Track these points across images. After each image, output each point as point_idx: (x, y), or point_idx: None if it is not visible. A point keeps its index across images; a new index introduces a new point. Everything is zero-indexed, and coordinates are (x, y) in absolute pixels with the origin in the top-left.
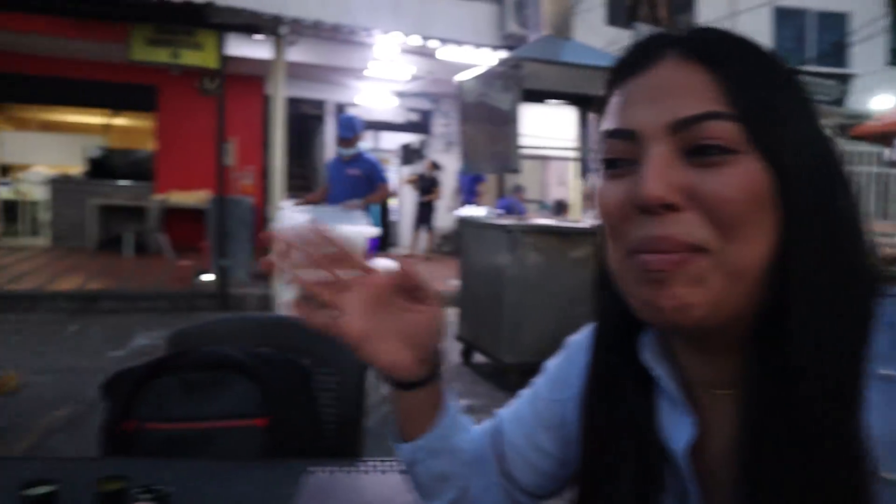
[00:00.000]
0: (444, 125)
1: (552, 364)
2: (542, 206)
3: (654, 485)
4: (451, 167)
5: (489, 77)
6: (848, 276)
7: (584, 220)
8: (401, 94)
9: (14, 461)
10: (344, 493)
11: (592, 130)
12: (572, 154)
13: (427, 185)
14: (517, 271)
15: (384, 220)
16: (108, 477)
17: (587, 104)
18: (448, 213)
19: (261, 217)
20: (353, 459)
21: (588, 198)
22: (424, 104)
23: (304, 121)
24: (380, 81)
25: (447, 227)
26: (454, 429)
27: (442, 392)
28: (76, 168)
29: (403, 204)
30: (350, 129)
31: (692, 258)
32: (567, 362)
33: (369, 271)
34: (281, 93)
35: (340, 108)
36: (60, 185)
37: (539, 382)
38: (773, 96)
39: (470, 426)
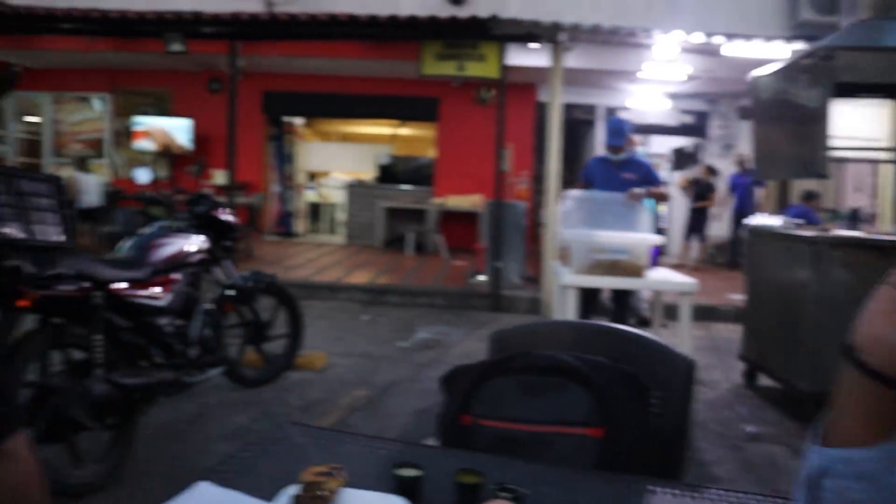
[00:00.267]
0: (722, 127)
1: None
2: (837, 216)
3: None
4: (726, 172)
5: (792, 71)
6: None
7: None
8: (674, 96)
9: (369, 439)
10: None
11: None
12: (887, 155)
13: (701, 191)
14: (820, 289)
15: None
16: (465, 469)
17: None
18: (721, 220)
19: (532, 221)
20: (698, 485)
21: None
22: (700, 105)
23: (574, 126)
24: (653, 83)
25: (721, 235)
26: None
27: None
28: (368, 174)
29: (674, 210)
30: (619, 136)
31: None
32: None
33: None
34: (557, 99)
35: (611, 112)
36: (355, 189)
37: None
38: None
39: None
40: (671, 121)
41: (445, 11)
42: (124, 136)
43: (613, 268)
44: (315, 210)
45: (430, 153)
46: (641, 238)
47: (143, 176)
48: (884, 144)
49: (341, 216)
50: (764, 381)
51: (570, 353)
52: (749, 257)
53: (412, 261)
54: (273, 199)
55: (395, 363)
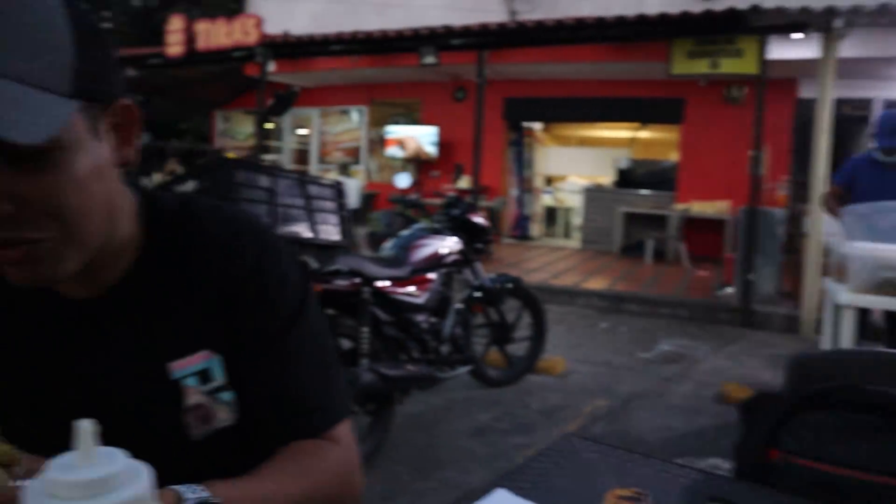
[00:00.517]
0: None
1: None
2: None
3: None
4: None
5: None
6: None
7: None
8: None
9: (663, 463)
10: None
11: None
12: None
13: None
14: None
15: None
16: None
17: None
18: None
19: (789, 231)
20: None
21: None
22: None
23: (843, 124)
24: None
25: None
26: None
27: None
28: (606, 178)
29: None
30: (894, 136)
31: None
32: None
33: None
34: (827, 94)
35: (890, 106)
36: (592, 193)
37: None
38: None
39: None
40: None
41: (696, 6)
42: (378, 144)
43: None
44: (551, 214)
45: (672, 156)
46: None
47: (402, 180)
48: None
49: (576, 220)
50: None
51: None
52: None
53: (651, 268)
54: (511, 203)
55: (636, 375)
